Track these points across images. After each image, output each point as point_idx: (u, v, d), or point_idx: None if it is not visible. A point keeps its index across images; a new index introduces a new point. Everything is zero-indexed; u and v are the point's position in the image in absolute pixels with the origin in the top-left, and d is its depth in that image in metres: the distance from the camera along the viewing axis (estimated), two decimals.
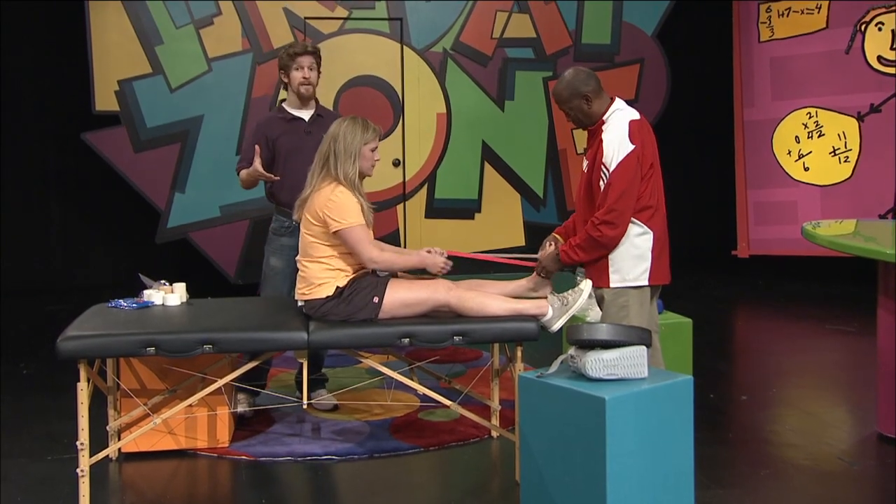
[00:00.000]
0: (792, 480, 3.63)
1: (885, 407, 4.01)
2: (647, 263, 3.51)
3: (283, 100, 4.45)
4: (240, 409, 4.30)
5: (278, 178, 4.23)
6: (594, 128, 3.56)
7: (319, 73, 4.40)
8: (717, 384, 4.96)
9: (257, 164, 4.18)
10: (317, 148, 4.21)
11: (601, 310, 3.59)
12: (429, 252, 3.75)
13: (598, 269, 3.54)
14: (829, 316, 6.72)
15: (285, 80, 4.38)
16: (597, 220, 3.44)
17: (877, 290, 4.05)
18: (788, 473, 3.69)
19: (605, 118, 3.53)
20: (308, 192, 3.64)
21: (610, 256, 3.50)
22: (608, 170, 3.42)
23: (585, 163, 3.61)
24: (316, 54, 4.36)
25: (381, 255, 3.60)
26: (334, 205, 3.54)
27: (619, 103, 3.57)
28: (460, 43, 7.75)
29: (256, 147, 4.23)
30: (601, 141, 3.47)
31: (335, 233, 3.55)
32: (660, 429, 2.93)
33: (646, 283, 3.53)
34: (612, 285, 3.51)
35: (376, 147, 3.70)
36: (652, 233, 3.51)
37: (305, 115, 4.37)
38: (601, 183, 3.44)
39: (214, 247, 7.48)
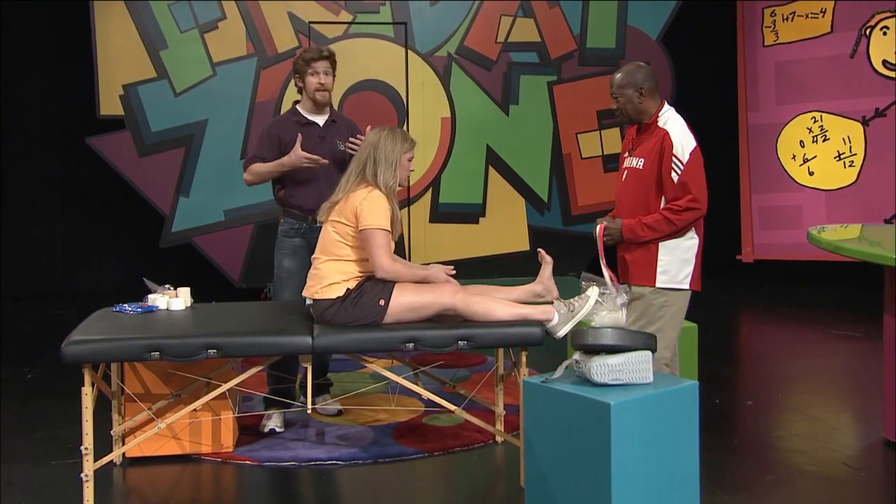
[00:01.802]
0: (797, 486, 3.62)
1: (892, 412, 3.99)
2: (691, 268, 3.57)
3: (298, 101, 4.39)
4: (271, 426, 4.23)
5: (327, 161, 4.14)
6: (649, 122, 3.60)
7: (334, 77, 4.34)
8: (723, 389, 4.95)
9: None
10: (330, 153, 4.22)
11: (629, 310, 3.53)
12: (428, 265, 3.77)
13: (644, 267, 3.56)
14: (835, 321, 6.70)
15: (300, 85, 4.31)
16: (680, 207, 3.46)
17: (883, 294, 4.04)
18: (794, 479, 3.68)
19: (659, 115, 3.59)
20: (340, 196, 3.64)
21: (660, 256, 3.52)
22: (681, 161, 3.46)
23: (636, 160, 3.62)
24: (331, 59, 4.30)
25: (392, 265, 3.57)
26: (368, 204, 3.56)
27: (669, 106, 3.65)
28: (465, 47, 7.76)
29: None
30: (665, 133, 3.51)
31: (361, 231, 3.57)
32: (665, 434, 2.93)
33: (688, 286, 3.57)
34: (657, 285, 3.54)
35: (412, 157, 3.73)
36: (697, 239, 3.57)
37: (320, 120, 4.33)
38: (673, 174, 3.47)
39: (219, 251, 7.48)
